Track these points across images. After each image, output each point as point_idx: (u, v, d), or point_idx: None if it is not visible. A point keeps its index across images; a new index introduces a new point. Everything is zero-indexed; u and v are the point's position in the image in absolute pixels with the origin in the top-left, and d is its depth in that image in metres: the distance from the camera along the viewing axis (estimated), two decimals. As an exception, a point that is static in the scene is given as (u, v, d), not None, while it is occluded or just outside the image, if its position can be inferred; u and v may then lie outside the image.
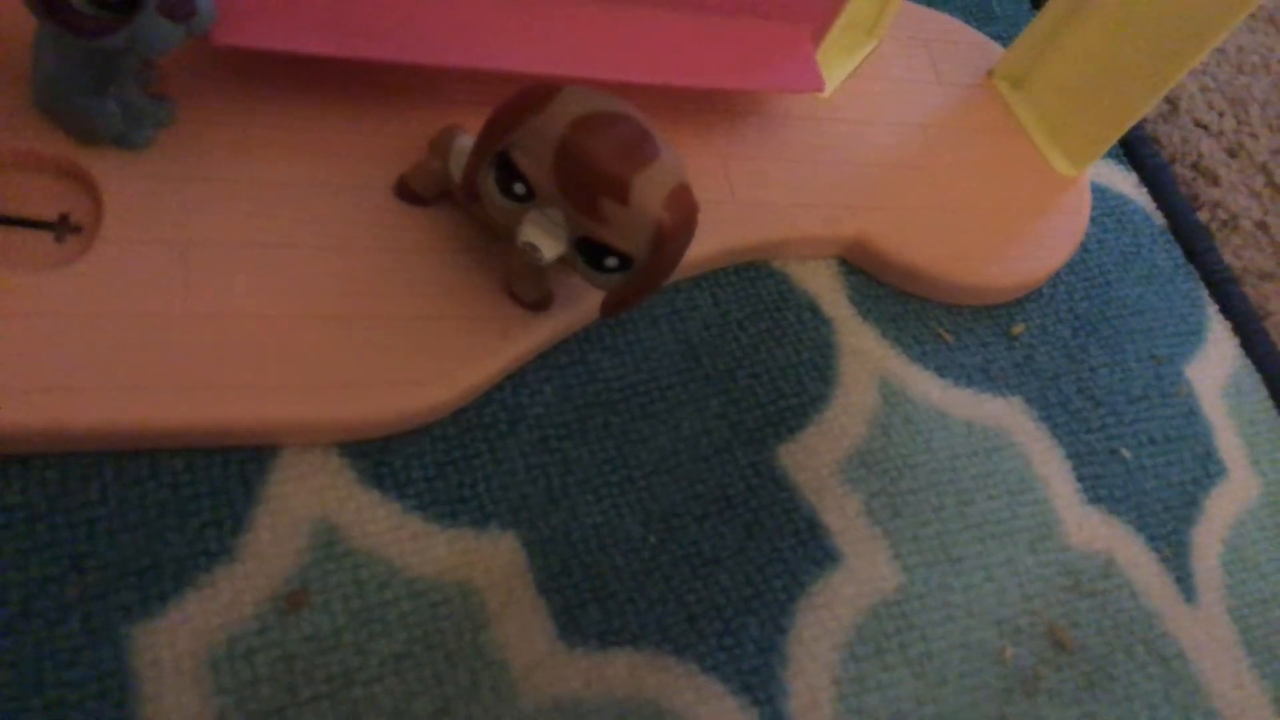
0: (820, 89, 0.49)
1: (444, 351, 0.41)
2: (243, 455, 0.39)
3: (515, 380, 0.44)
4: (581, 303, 0.44)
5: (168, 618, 0.36)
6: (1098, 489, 0.49)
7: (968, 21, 0.63)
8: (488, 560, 0.40)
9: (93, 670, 0.34)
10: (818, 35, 0.50)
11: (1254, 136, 0.69)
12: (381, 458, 0.40)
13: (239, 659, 0.36)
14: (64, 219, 0.40)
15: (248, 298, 0.40)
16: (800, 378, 0.47)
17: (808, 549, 0.43)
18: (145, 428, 0.37)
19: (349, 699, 0.36)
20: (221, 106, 0.43)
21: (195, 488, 0.38)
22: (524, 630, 0.39)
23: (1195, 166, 0.66)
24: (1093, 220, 0.58)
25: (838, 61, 0.55)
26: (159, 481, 0.37)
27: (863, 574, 0.44)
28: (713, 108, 0.51)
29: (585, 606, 0.40)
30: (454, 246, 0.43)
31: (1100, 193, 0.60)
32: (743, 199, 0.49)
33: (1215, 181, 0.65)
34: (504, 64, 0.43)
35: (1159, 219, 0.61)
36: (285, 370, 0.39)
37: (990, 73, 0.59)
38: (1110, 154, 0.63)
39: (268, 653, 0.36)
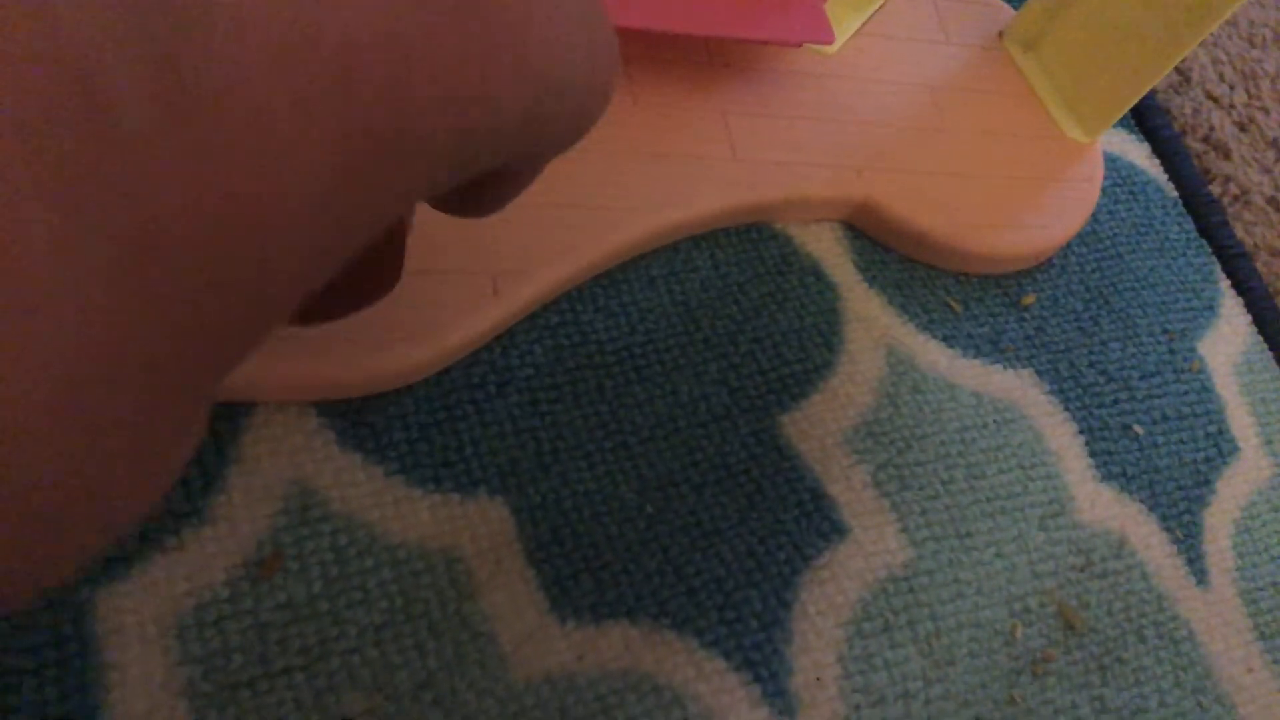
0: (829, 41, 0.46)
1: (429, 307, 0.39)
2: (214, 411, 0.36)
3: (504, 340, 0.41)
4: (573, 262, 0.42)
5: (132, 582, 0.33)
6: (1110, 466, 0.48)
7: (977, -17, 0.60)
8: (474, 527, 0.37)
9: (51, 636, 0.32)
10: (826, -13, 0.48)
11: (1265, 111, 0.67)
12: (361, 418, 0.38)
13: (208, 627, 0.33)
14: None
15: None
16: (804, 344, 0.45)
17: (812, 521, 0.41)
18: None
19: (325, 670, 0.34)
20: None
21: (163, 444, 0.35)
22: (513, 601, 0.37)
23: (1207, 140, 0.64)
24: (1104, 190, 0.56)
25: (844, 17, 0.52)
26: (125, 437, 0.35)
27: (870, 547, 0.41)
28: (713, 60, 0.49)
29: (578, 577, 0.38)
30: (443, 196, 0.41)
31: (1111, 162, 0.58)
32: (744, 157, 0.47)
33: (1226, 155, 0.63)
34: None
35: (1171, 191, 0.59)
36: (261, 320, 0.36)
37: (1001, 34, 0.57)
38: (1122, 123, 0.61)
39: (239, 621, 0.34)
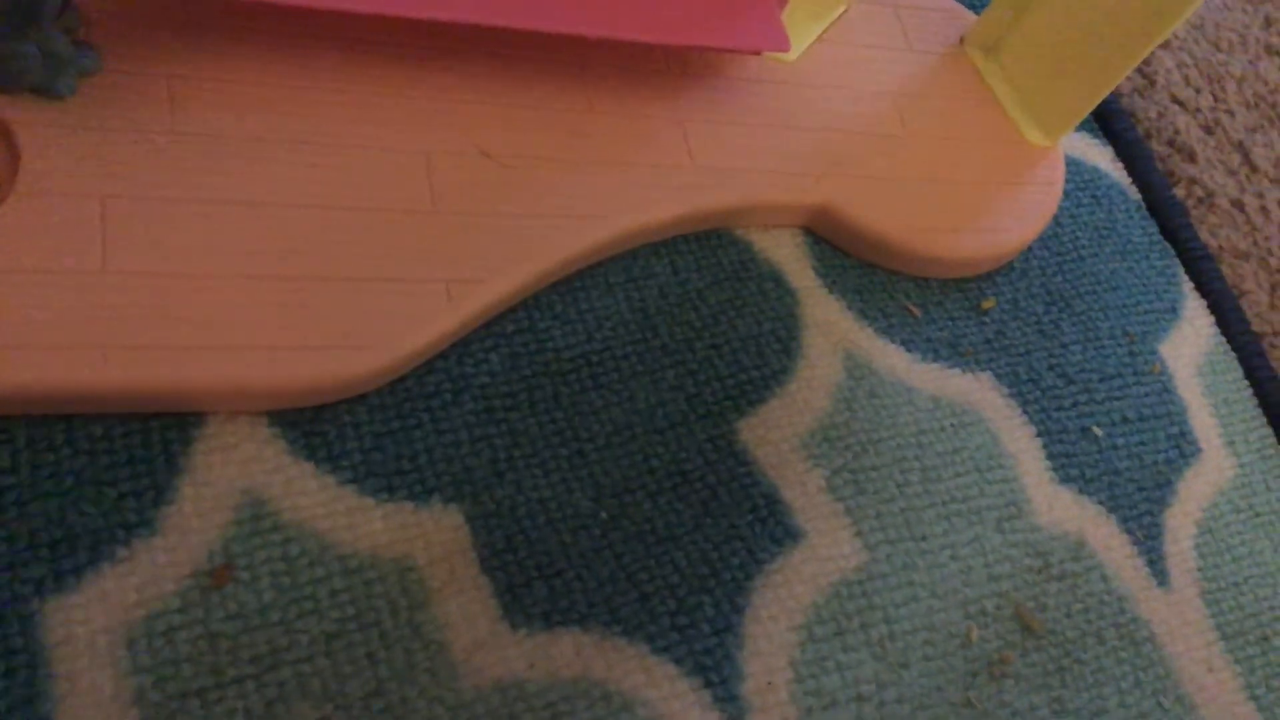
0: (785, 49, 0.47)
1: (383, 315, 0.39)
2: (165, 422, 0.36)
3: (459, 348, 0.41)
4: (529, 270, 0.42)
5: (82, 593, 0.33)
6: (1069, 468, 0.48)
7: (939, -11, 0.61)
8: (428, 536, 0.38)
9: None
10: (782, -6, 0.48)
11: (1230, 114, 0.67)
12: (314, 427, 0.38)
13: (159, 637, 0.33)
14: (-23, 170, 0.37)
15: (173, 255, 0.37)
16: (762, 350, 0.46)
17: (767, 526, 0.41)
18: (60, 390, 0.35)
19: (276, 680, 0.34)
20: (150, 55, 0.41)
21: (114, 456, 0.35)
22: (465, 610, 0.37)
23: (1171, 143, 0.64)
24: (1066, 194, 0.57)
25: (804, 25, 0.53)
26: (75, 448, 0.35)
27: (824, 552, 0.42)
28: (670, 67, 0.49)
29: (531, 585, 0.38)
30: (397, 205, 0.41)
31: (1074, 165, 0.59)
32: (702, 163, 0.47)
33: (1191, 158, 0.64)
34: (451, 14, 0.41)
35: (1134, 194, 0.60)
36: (211, 332, 0.36)
37: (961, 40, 0.57)
38: (1085, 126, 0.61)
39: (189, 631, 0.34)
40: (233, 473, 0.36)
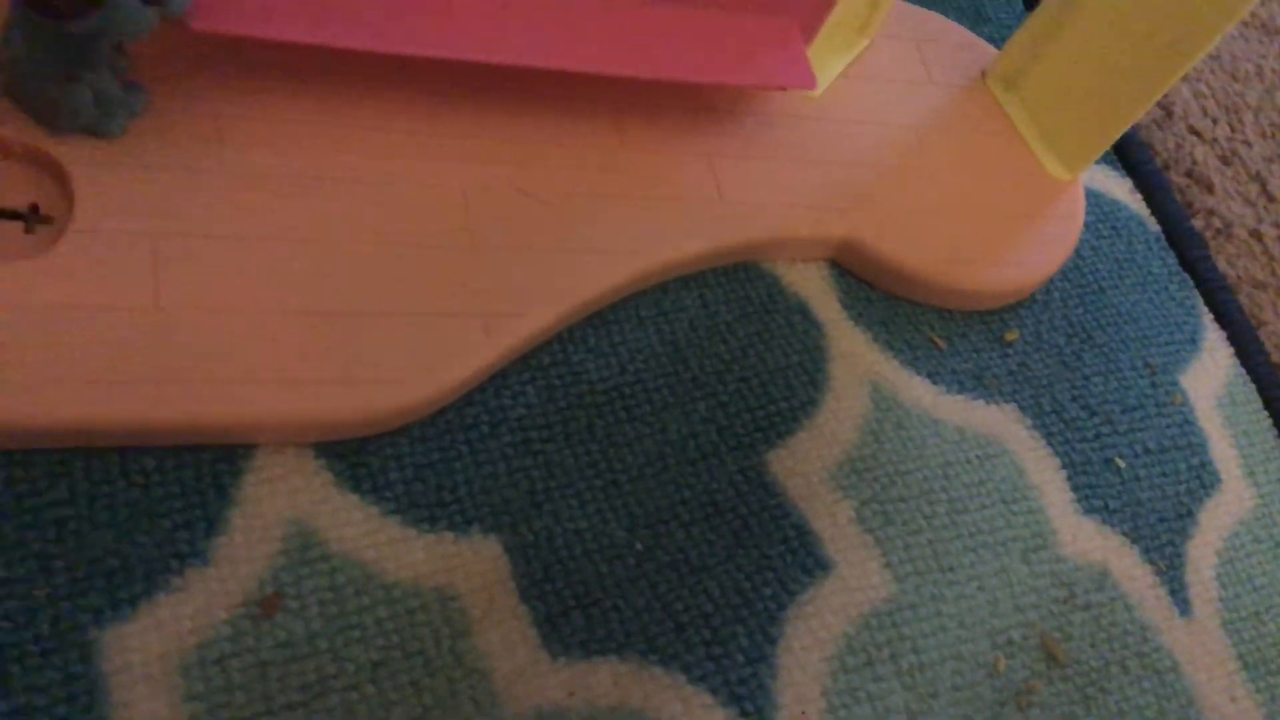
0: (811, 86, 0.48)
1: (423, 349, 0.40)
2: (215, 454, 0.37)
3: (497, 381, 0.42)
4: (563, 304, 0.43)
5: (138, 621, 0.34)
6: (1092, 499, 0.49)
7: (959, 22, 0.62)
8: (468, 565, 0.38)
9: (60, 674, 0.33)
10: (809, 32, 0.49)
11: (1248, 144, 0.68)
12: (358, 459, 0.39)
13: (211, 665, 0.34)
14: (34, 209, 0.38)
15: (222, 290, 0.38)
16: (790, 382, 0.46)
17: (797, 557, 0.42)
18: (116, 424, 0.36)
19: (324, 707, 0.35)
20: (197, 95, 0.42)
21: (167, 488, 0.36)
22: (505, 638, 0.38)
23: (1189, 174, 0.65)
24: (1087, 226, 0.58)
25: (828, 60, 0.54)
26: (129, 481, 0.36)
27: (854, 583, 0.42)
28: (699, 104, 0.50)
29: (569, 614, 0.39)
30: (436, 240, 0.42)
31: (1094, 198, 0.60)
32: (730, 198, 0.48)
33: (1209, 189, 0.65)
34: (486, 55, 0.42)
35: (1153, 225, 0.60)
36: (260, 366, 0.38)
37: (983, 74, 0.58)
38: (1104, 159, 0.62)
39: (241, 659, 0.35)
40: (281, 504, 0.37)
